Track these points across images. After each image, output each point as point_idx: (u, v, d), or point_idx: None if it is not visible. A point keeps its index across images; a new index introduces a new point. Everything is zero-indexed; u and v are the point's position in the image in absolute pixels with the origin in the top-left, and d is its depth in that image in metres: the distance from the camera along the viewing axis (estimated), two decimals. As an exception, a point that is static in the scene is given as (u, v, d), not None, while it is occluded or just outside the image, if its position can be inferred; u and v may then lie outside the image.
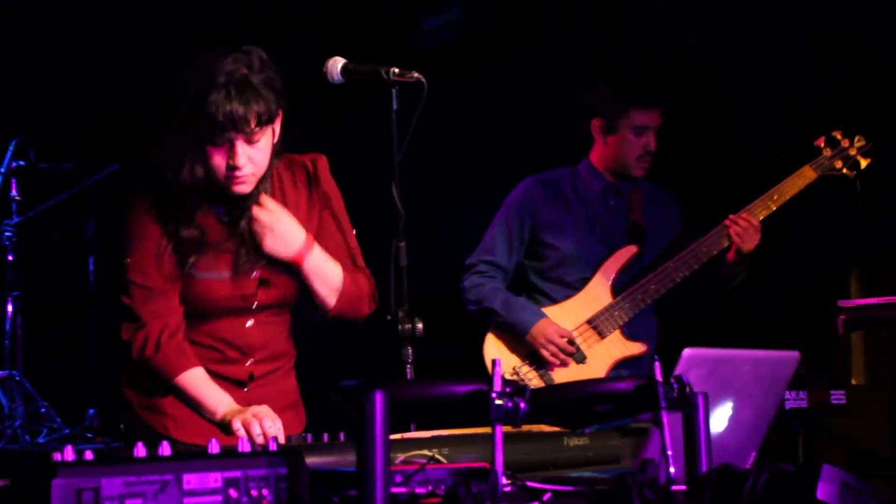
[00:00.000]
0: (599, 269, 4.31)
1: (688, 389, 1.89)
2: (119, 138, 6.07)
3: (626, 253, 4.33)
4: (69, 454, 1.66)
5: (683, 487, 1.92)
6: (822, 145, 4.26)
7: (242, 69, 2.71)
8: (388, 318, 2.88)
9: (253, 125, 2.70)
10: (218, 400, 2.81)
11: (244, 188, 2.81)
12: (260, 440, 2.61)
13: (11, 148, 6.15)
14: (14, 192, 6.12)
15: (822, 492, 1.74)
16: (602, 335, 4.24)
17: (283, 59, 2.88)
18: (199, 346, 2.92)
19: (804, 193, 4.23)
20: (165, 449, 1.74)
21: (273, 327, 3.01)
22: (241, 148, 2.73)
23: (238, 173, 2.76)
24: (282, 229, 2.87)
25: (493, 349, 4.29)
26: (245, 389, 2.96)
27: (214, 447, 1.77)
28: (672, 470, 1.88)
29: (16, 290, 6.02)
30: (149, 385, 2.90)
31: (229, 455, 1.74)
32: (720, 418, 2.23)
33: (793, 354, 2.34)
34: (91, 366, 6.19)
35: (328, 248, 2.97)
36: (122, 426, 3.01)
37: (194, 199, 2.81)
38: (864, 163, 4.26)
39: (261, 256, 2.89)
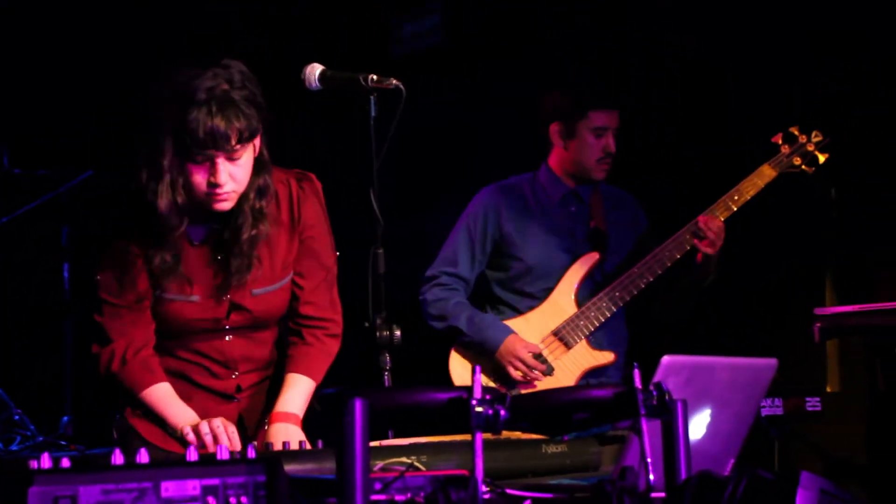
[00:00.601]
0: (562, 279, 4.28)
1: (667, 396, 1.89)
2: (93, 144, 6.04)
3: (589, 261, 4.30)
4: (46, 462, 1.65)
5: (663, 494, 1.93)
6: (780, 142, 4.24)
7: (223, 85, 2.66)
8: (366, 325, 2.88)
9: (234, 142, 2.67)
10: (181, 416, 2.82)
11: (225, 205, 2.77)
12: (209, 440, 2.65)
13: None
14: (-12, 197, 6.07)
15: (800, 499, 1.75)
16: (568, 346, 4.21)
17: (263, 66, 2.87)
18: (185, 362, 2.94)
19: (771, 196, 4.23)
20: (143, 456, 1.73)
21: (255, 341, 3.02)
22: (223, 165, 2.69)
23: (219, 190, 2.72)
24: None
25: (459, 366, 4.25)
26: (235, 401, 2.98)
27: (193, 455, 1.76)
28: (651, 477, 1.88)
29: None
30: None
31: (208, 462, 1.73)
32: (699, 425, 2.23)
33: (770, 362, 2.35)
34: (66, 373, 6.14)
35: (306, 273, 3.01)
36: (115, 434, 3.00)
37: (172, 218, 2.76)
38: (821, 158, 4.24)
39: (233, 283, 2.88)
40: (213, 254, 2.87)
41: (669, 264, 4.17)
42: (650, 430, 1.96)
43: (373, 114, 2.77)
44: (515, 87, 5.04)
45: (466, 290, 4.35)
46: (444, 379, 4.18)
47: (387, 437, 2.48)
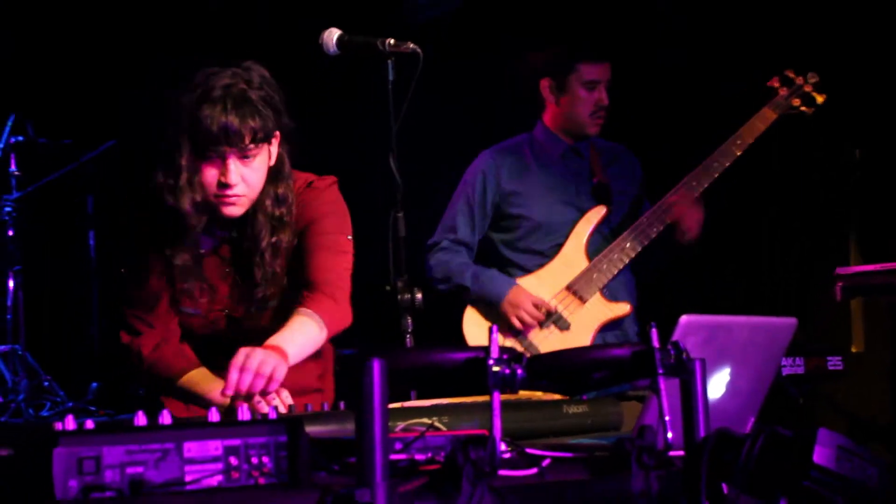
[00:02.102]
0: (571, 234, 4.26)
1: (685, 356, 1.90)
2: (117, 114, 6.07)
3: (597, 214, 4.27)
4: (70, 424, 1.67)
5: (681, 453, 1.94)
6: (777, 85, 4.23)
7: (241, 84, 2.64)
8: (388, 288, 2.89)
9: (247, 140, 2.63)
10: (217, 389, 2.75)
11: (234, 210, 2.72)
12: (262, 407, 2.61)
13: (10, 123, 6.15)
14: (13, 168, 6.12)
15: (818, 455, 1.75)
16: (583, 299, 4.19)
17: (281, 34, 2.87)
18: (201, 356, 2.90)
19: (796, 156, 4.22)
20: (166, 418, 1.75)
21: (268, 333, 2.86)
22: (234, 165, 2.65)
23: (229, 192, 2.67)
24: (263, 369, 2.56)
25: (472, 324, 4.25)
26: None
27: (214, 416, 1.79)
28: (670, 435, 1.89)
29: (17, 264, 6.03)
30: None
31: (229, 423, 1.75)
32: (718, 384, 2.24)
33: (790, 321, 2.35)
34: (94, 339, 6.20)
35: (316, 266, 2.87)
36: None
37: (192, 217, 2.71)
38: (819, 98, 4.24)
39: (257, 295, 2.83)
40: (225, 265, 2.85)
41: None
42: (669, 388, 1.98)
43: (391, 77, 2.77)
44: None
45: (469, 254, 4.35)
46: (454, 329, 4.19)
47: (409, 399, 2.51)
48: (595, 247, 4.26)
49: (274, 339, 2.64)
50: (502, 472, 1.81)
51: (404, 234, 2.88)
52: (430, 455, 1.90)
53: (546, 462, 1.92)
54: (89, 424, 1.70)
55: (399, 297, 2.87)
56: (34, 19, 6.31)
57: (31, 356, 5.96)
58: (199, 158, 2.63)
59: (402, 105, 2.81)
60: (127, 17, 6.15)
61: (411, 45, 2.77)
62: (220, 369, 2.84)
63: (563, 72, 4.28)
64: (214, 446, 1.71)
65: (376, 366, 1.64)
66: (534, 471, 1.86)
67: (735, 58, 4.95)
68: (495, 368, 1.69)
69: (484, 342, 4.04)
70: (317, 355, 2.85)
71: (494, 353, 1.70)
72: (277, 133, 2.73)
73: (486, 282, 4.22)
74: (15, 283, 6.02)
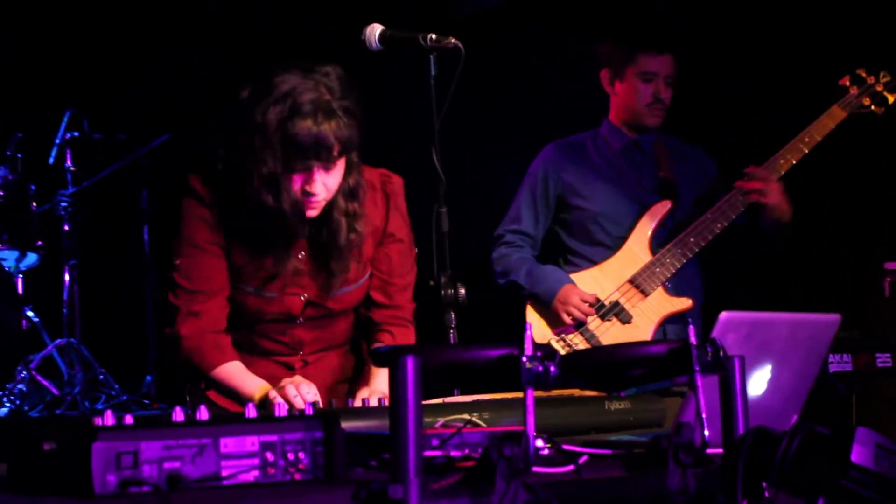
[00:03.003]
0: (636, 227, 4.27)
1: (722, 353, 1.89)
2: (171, 109, 6.13)
3: (662, 208, 4.28)
4: (109, 419, 1.70)
5: (720, 450, 1.93)
6: (848, 84, 4.23)
7: (326, 95, 2.69)
8: (431, 283, 2.90)
9: (335, 152, 2.71)
10: (254, 386, 2.84)
11: (314, 213, 2.82)
12: (298, 402, 2.65)
13: (66, 119, 6.23)
14: (69, 163, 6.20)
15: (856, 454, 1.73)
16: (645, 293, 4.20)
17: (325, 28, 2.88)
18: (251, 342, 2.99)
19: (849, 150, 4.19)
20: (204, 414, 1.77)
21: (327, 328, 3.06)
22: (319, 175, 2.73)
23: (313, 199, 2.77)
24: None
25: (534, 319, 4.27)
26: (294, 371, 3.02)
27: (251, 412, 1.81)
28: (707, 433, 1.88)
29: (72, 259, 6.11)
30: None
31: (266, 419, 1.77)
32: (759, 381, 2.23)
33: (833, 317, 2.33)
34: (148, 333, 6.27)
35: (387, 276, 3.04)
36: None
37: (296, 223, 2.82)
38: (891, 98, 4.23)
39: (335, 284, 2.93)
40: (303, 252, 2.92)
41: (743, 208, 4.17)
42: (709, 386, 1.97)
43: (433, 72, 2.78)
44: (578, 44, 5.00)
45: (533, 246, 4.37)
46: (511, 336, 4.20)
47: (452, 395, 2.52)
48: (659, 241, 4.27)
49: (366, 392, 2.84)
50: (537, 469, 1.82)
51: (447, 229, 2.89)
52: (466, 451, 1.91)
53: (583, 459, 1.93)
54: (128, 420, 1.72)
55: (443, 292, 2.87)
56: (90, 17, 6.39)
57: (86, 349, 6.03)
58: (288, 168, 2.71)
59: (444, 100, 2.81)
60: (181, 15, 6.21)
61: (453, 41, 2.77)
62: (269, 352, 3.00)
63: (621, 62, 4.28)
64: (251, 441, 1.73)
65: (410, 362, 1.65)
66: (569, 468, 1.87)
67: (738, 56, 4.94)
68: (528, 365, 1.69)
69: (545, 339, 4.09)
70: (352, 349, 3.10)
71: (528, 351, 1.70)
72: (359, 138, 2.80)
73: (538, 279, 4.24)
74: (70, 277, 6.09)
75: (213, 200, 2.85)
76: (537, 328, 4.26)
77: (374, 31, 2.86)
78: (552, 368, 1.69)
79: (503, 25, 5.63)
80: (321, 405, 2.67)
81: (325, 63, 2.75)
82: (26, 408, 5.62)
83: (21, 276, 5.95)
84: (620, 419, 2.58)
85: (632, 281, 4.22)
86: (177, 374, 3.07)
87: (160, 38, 6.21)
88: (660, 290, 4.22)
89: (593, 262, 4.30)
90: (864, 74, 4.23)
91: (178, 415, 1.75)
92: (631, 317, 4.18)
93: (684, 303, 4.22)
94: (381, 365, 1.71)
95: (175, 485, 1.66)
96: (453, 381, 1.94)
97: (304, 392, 2.68)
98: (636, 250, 4.26)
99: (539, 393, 2.46)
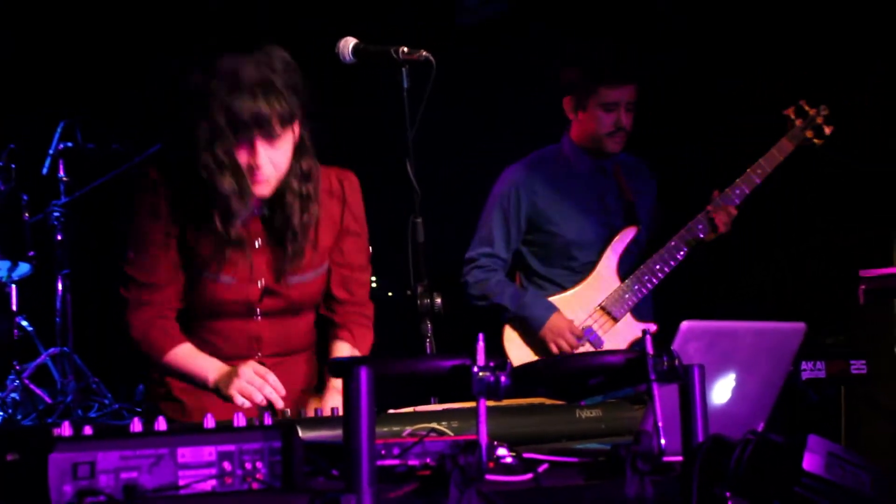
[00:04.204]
0: (605, 253, 4.33)
1: (677, 362, 1.91)
2: (165, 118, 6.15)
3: (628, 234, 4.35)
4: (67, 429, 1.72)
5: (680, 458, 1.95)
6: (793, 116, 4.32)
7: (266, 71, 2.73)
8: (408, 293, 2.92)
9: (275, 125, 2.73)
10: (206, 367, 2.87)
11: (264, 189, 2.82)
12: (257, 397, 2.73)
13: (59, 129, 6.26)
14: (62, 173, 6.23)
15: (808, 462, 1.75)
16: (616, 319, 4.27)
17: (328, 36, 2.90)
18: (206, 343, 2.96)
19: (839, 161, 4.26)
20: (161, 424, 1.79)
21: (287, 326, 3.04)
22: (262, 148, 2.76)
23: (259, 173, 2.78)
24: None
25: (513, 343, 4.31)
26: None
27: (210, 422, 1.83)
28: (663, 441, 1.90)
29: (65, 268, 6.13)
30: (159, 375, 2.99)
31: (224, 429, 1.79)
32: (724, 390, 2.25)
33: (798, 325, 2.35)
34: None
35: (346, 263, 3.06)
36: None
37: (236, 201, 2.81)
38: (827, 130, 4.31)
39: (287, 268, 2.93)
40: (259, 239, 2.92)
41: (703, 236, 4.25)
42: (672, 394, 1.99)
43: (405, 85, 2.80)
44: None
45: (505, 268, 4.40)
46: (490, 346, 4.24)
47: (429, 403, 2.53)
48: (626, 265, 4.33)
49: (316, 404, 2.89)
50: (495, 478, 1.84)
51: (423, 240, 2.90)
52: (427, 461, 1.93)
53: (543, 467, 1.94)
54: (87, 430, 1.74)
55: (419, 301, 2.89)
56: (84, 27, 6.42)
57: (79, 358, 6.06)
58: (231, 143, 2.74)
59: (418, 111, 2.84)
60: (174, 25, 6.24)
61: (424, 54, 2.80)
62: (227, 356, 2.93)
63: (584, 92, 4.31)
64: (208, 452, 1.75)
65: (363, 373, 1.68)
66: (528, 476, 1.88)
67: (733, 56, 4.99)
68: (480, 375, 1.71)
69: (524, 361, 4.15)
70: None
71: (480, 361, 1.72)
72: (301, 113, 2.83)
73: (526, 305, 4.27)
74: (63, 287, 6.13)
75: (167, 189, 2.86)
76: (517, 350, 4.30)
77: (348, 44, 2.88)
78: (503, 379, 1.71)
79: (497, 36, 5.67)
80: (284, 408, 2.68)
81: (270, 45, 2.80)
82: (19, 416, 5.66)
83: (14, 285, 5.98)
84: (591, 427, 2.58)
85: (603, 307, 4.29)
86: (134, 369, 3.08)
87: (153, 48, 6.24)
88: (628, 315, 4.29)
89: (557, 285, 4.35)
90: (806, 107, 4.32)
91: (136, 425, 1.77)
92: (603, 342, 4.23)
93: (650, 328, 4.24)
94: (335, 375, 1.72)
95: (132, 495, 1.68)
96: (409, 391, 1.95)
97: (260, 388, 2.73)
98: (606, 275, 4.33)
99: (510, 401, 2.49)
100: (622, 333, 4.28)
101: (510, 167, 4.43)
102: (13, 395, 5.71)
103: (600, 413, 2.61)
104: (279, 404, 2.75)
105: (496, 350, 4.25)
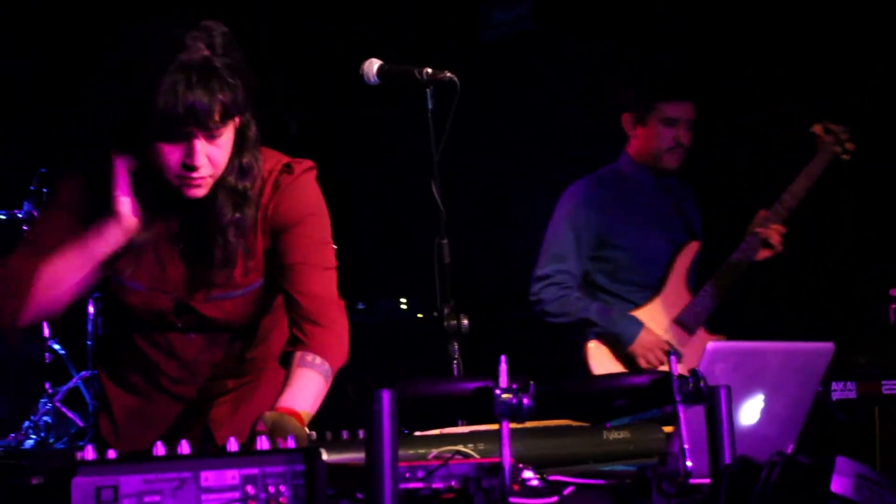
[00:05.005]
0: (673, 268, 4.40)
1: (702, 383, 1.89)
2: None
3: (692, 249, 4.43)
4: (90, 453, 1.72)
5: (708, 480, 1.93)
6: (822, 133, 4.34)
7: (204, 50, 2.29)
8: (434, 314, 2.92)
9: (217, 118, 2.30)
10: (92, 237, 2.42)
11: (199, 192, 2.40)
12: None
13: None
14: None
15: (836, 484, 1.73)
16: (690, 332, 4.34)
17: (352, 53, 2.87)
18: (143, 354, 2.65)
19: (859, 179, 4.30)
20: (185, 448, 1.79)
21: (224, 348, 2.69)
22: (201, 145, 2.32)
23: (195, 174, 2.34)
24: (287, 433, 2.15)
25: (600, 357, 4.33)
26: (202, 416, 2.70)
27: (233, 445, 1.82)
28: (689, 463, 1.88)
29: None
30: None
31: (247, 452, 1.78)
32: (752, 411, 2.23)
33: (826, 346, 2.33)
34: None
35: (308, 289, 2.57)
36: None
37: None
38: (850, 147, 4.33)
39: (217, 279, 2.53)
40: (176, 242, 2.52)
41: (759, 250, 4.32)
42: (699, 415, 1.98)
43: (430, 106, 2.81)
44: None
45: (578, 286, 4.42)
46: (518, 366, 4.24)
47: (456, 425, 2.52)
48: (691, 279, 4.42)
49: (287, 401, 2.39)
50: (517, 501, 1.83)
51: (449, 261, 2.91)
52: (452, 483, 1.92)
53: (568, 490, 1.93)
54: (111, 454, 1.74)
55: (445, 323, 2.89)
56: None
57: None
58: (159, 139, 2.30)
59: (443, 132, 2.84)
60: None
61: (448, 74, 2.81)
62: (171, 378, 2.65)
63: (644, 108, 4.38)
64: (231, 475, 1.74)
65: (385, 396, 1.67)
66: (550, 499, 1.87)
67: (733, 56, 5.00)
68: (503, 397, 1.70)
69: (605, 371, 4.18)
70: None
71: (503, 383, 1.71)
72: (247, 102, 2.41)
73: (616, 320, 4.31)
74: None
75: (82, 191, 2.46)
76: (605, 363, 4.34)
77: (372, 65, 2.90)
78: (526, 401, 1.70)
79: (520, 53, 5.67)
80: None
81: (207, 18, 2.35)
82: (51, 439, 5.69)
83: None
84: (620, 448, 2.57)
85: (678, 321, 4.35)
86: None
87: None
88: (701, 329, 4.37)
89: (626, 301, 4.40)
90: (831, 125, 4.34)
91: (159, 449, 1.77)
92: (682, 356, 4.24)
93: (721, 340, 4.28)
94: (359, 398, 1.71)
95: (155, 519, 1.67)
96: (436, 413, 1.94)
97: None
98: (676, 291, 4.40)
99: (536, 423, 2.48)
100: (696, 347, 4.30)
101: (574, 185, 4.47)
102: (45, 418, 5.74)
103: (628, 434, 2.59)
104: None
105: (577, 365, 4.30)
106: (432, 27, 5.74)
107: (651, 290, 4.39)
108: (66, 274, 2.43)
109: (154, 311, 2.55)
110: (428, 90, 2.80)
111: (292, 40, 6.00)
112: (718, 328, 4.41)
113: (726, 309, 4.48)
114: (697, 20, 5.20)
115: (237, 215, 2.46)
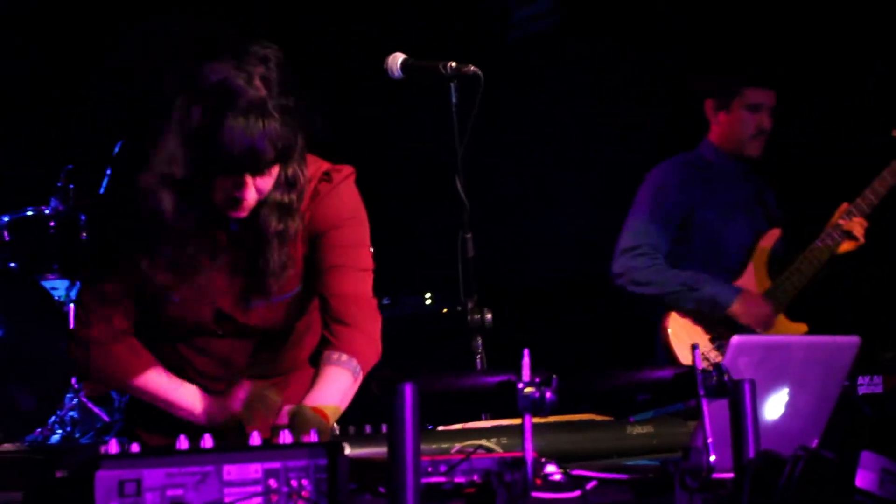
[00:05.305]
0: (755, 254, 4.39)
1: (726, 377, 1.89)
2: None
3: (774, 236, 4.42)
4: (113, 447, 1.73)
5: (731, 475, 1.92)
6: None
7: (261, 91, 2.32)
8: (458, 309, 2.92)
9: (270, 161, 2.36)
10: (190, 396, 2.61)
11: (243, 214, 2.45)
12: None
13: (117, 150, 6.32)
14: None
15: (861, 479, 1.72)
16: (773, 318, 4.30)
17: (375, 50, 2.87)
18: (180, 356, 2.69)
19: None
20: (207, 441, 1.79)
21: (261, 349, 2.71)
22: (251, 180, 2.38)
23: (243, 204, 2.41)
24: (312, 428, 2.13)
25: (678, 330, 4.29)
26: None
27: (256, 439, 1.83)
28: (713, 457, 1.88)
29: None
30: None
31: (270, 447, 1.79)
32: (776, 405, 2.22)
33: (852, 339, 2.31)
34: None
35: (341, 290, 2.61)
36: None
37: (181, 229, 2.46)
38: None
39: (269, 287, 2.55)
40: (222, 253, 2.56)
41: (840, 241, 4.32)
42: (723, 409, 1.97)
43: (454, 101, 2.81)
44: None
45: (664, 261, 4.37)
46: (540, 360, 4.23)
47: (479, 419, 2.52)
48: (772, 266, 4.40)
49: (313, 397, 2.46)
50: (543, 495, 1.82)
51: (473, 255, 2.90)
52: (475, 478, 1.92)
53: (591, 484, 1.92)
54: (134, 448, 1.75)
55: (469, 317, 2.89)
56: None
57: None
58: (212, 175, 2.37)
59: (467, 127, 2.84)
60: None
61: (472, 68, 2.80)
62: (201, 373, 2.69)
63: (728, 94, 4.38)
64: (254, 469, 1.75)
65: (408, 389, 1.67)
66: (576, 493, 1.86)
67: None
68: (526, 391, 1.70)
69: (688, 345, 4.15)
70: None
71: (525, 377, 1.71)
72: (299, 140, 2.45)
73: (714, 283, 4.27)
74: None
75: (126, 207, 2.49)
76: (683, 339, 4.29)
77: (396, 59, 2.90)
78: (548, 395, 1.69)
79: (545, 50, 5.66)
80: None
81: (261, 42, 2.38)
82: (77, 434, 5.71)
83: (72, 304, 6.04)
84: (643, 443, 2.56)
85: None
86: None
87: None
88: (781, 315, 4.32)
89: None
90: None
91: (182, 443, 1.78)
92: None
93: (803, 328, 4.30)
94: (381, 393, 1.71)
95: (178, 512, 1.68)
96: (461, 407, 1.95)
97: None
98: (757, 277, 4.38)
99: (560, 417, 2.48)
100: (778, 332, 4.25)
101: (660, 166, 4.46)
102: (71, 413, 5.76)
103: (652, 429, 2.59)
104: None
105: (651, 345, 4.28)
106: (460, 25, 5.74)
107: (732, 274, 4.36)
108: (147, 397, 2.63)
109: (193, 322, 2.61)
110: (452, 84, 2.80)
111: (318, 34, 6.02)
112: (799, 317, 4.39)
113: (807, 298, 4.44)
114: (698, 20, 5.16)
115: (281, 227, 2.49)
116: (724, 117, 4.40)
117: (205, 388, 2.68)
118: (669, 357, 4.18)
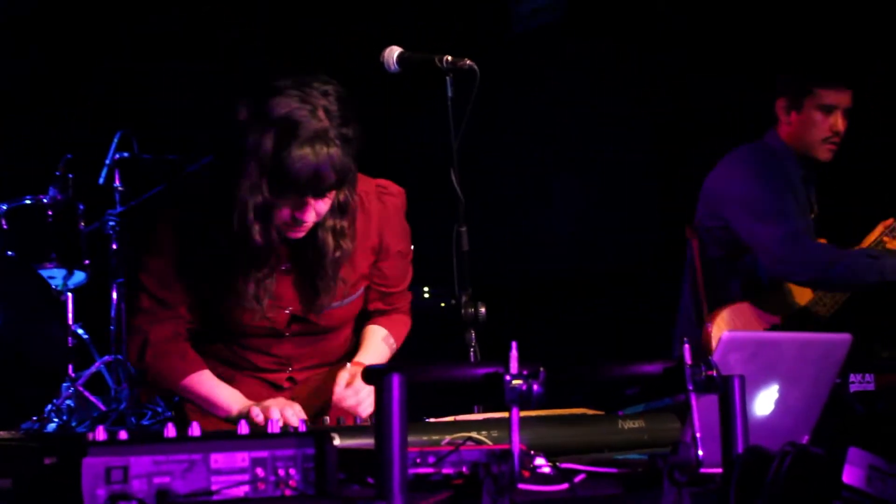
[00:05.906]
0: None
1: (715, 372, 1.89)
2: (216, 128, 6.19)
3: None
4: (101, 434, 1.73)
5: (720, 470, 1.92)
6: None
7: (324, 122, 2.54)
8: (452, 302, 2.91)
9: (333, 184, 2.59)
10: (229, 398, 2.76)
11: (300, 235, 2.69)
12: (278, 422, 2.50)
13: (116, 140, 6.33)
14: (118, 183, 6.30)
15: (848, 475, 1.72)
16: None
17: (378, 43, 2.88)
18: (235, 354, 2.89)
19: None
20: (195, 430, 1.80)
21: (317, 344, 2.95)
22: (312, 203, 2.61)
23: (304, 225, 2.65)
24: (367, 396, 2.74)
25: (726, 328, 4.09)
26: (285, 391, 2.93)
27: (243, 428, 1.83)
28: (701, 452, 1.88)
29: (119, 277, 6.20)
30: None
31: (257, 436, 1.79)
32: (767, 401, 2.22)
33: (844, 337, 2.31)
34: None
35: (385, 287, 2.99)
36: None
37: (267, 251, 2.70)
38: None
39: (319, 303, 2.81)
40: (286, 265, 2.79)
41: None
42: (713, 405, 1.97)
43: (449, 94, 2.80)
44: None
45: None
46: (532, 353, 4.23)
47: (472, 412, 2.52)
48: None
49: (360, 359, 2.89)
50: (530, 487, 1.82)
51: (467, 249, 2.90)
52: (460, 469, 1.92)
53: (579, 478, 1.92)
54: (122, 435, 1.75)
55: (463, 311, 2.89)
56: (144, 41, 6.51)
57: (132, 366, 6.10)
58: (276, 197, 2.59)
59: (463, 120, 2.83)
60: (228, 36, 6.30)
61: (468, 62, 2.80)
62: (261, 369, 2.90)
63: (801, 93, 4.19)
64: (241, 458, 1.75)
65: (395, 380, 1.67)
66: (563, 486, 1.86)
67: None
68: (514, 383, 1.70)
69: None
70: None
71: (513, 369, 1.71)
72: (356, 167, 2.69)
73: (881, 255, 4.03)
74: (118, 295, 6.18)
75: (190, 221, 2.73)
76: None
77: (393, 53, 2.89)
78: (536, 387, 1.69)
79: (545, 48, 5.66)
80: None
81: (321, 78, 2.61)
82: (73, 423, 5.72)
83: (70, 294, 6.05)
84: (635, 438, 2.56)
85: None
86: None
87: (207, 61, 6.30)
88: None
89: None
90: None
91: (170, 430, 1.78)
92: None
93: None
94: (369, 382, 1.71)
95: (164, 500, 1.68)
96: (452, 400, 1.95)
97: (288, 415, 2.57)
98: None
99: (552, 411, 2.48)
100: None
101: (744, 149, 4.26)
102: (68, 401, 5.77)
103: (643, 423, 2.59)
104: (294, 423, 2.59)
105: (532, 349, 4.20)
106: (462, 19, 5.73)
107: None
108: (191, 397, 2.82)
109: (268, 326, 2.82)
110: (448, 78, 2.79)
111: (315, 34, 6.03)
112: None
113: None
114: (698, 20, 5.15)
115: (338, 253, 2.75)
116: (796, 117, 4.19)
117: (262, 379, 2.91)
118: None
